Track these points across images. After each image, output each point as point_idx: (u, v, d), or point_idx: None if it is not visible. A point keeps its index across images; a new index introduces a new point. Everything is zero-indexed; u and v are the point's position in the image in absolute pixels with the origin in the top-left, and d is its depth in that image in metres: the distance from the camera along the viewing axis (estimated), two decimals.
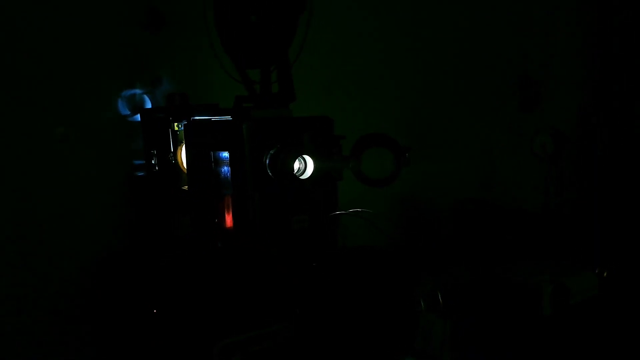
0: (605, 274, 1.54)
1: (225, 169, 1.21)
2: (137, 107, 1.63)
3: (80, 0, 1.52)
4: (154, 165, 1.47)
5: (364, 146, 1.10)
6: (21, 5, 1.44)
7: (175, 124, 1.37)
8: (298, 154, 1.07)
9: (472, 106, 2.35)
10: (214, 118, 1.23)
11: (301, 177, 1.10)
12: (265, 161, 1.09)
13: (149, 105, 1.65)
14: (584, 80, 2.71)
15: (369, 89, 2.09)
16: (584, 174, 1.78)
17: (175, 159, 1.39)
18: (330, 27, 1.92)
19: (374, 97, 2.11)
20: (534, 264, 1.51)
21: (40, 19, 1.47)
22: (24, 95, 1.46)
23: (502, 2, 2.40)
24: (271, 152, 1.08)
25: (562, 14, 2.60)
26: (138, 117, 1.62)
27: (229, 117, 1.23)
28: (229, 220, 1.19)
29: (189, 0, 1.61)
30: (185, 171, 1.36)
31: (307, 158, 1.09)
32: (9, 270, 1.47)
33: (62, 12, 1.49)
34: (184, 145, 1.27)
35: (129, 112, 1.63)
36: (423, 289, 1.06)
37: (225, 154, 1.18)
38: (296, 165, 1.07)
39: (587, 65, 2.64)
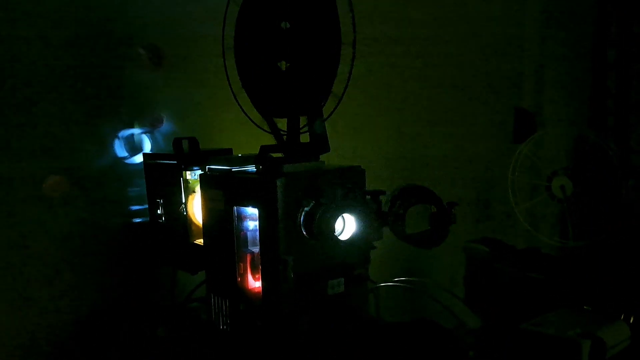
0: (631, 320, 1.48)
1: (247, 224, 1.11)
2: (136, 148, 1.52)
3: (73, 37, 1.40)
4: (160, 215, 1.35)
5: (406, 203, 1.02)
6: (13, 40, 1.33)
7: (187, 172, 1.26)
8: (340, 212, 0.97)
9: (472, 142, 2.31)
10: (234, 169, 1.12)
11: (340, 238, 1.00)
12: (300, 219, 0.99)
13: (148, 146, 1.53)
14: (578, 115, 2.71)
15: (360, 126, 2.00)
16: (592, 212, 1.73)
17: (186, 210, 1.27)
18: None
19: (366, 133, 2.02)
20: (560, 314, 1.44)
21: (30, 56, 1.35)
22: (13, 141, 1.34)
23: (495, 38, 2.38)
24: (306, 209, 0.99)
25: (554, 43, 2.60)
26: (135, 159, 1.51)
27: (250, 167, 1.13)
28: (252, 281, 1.09)
29: (196, 39, 1.53)
30: (199, 224, 1.25)
31: (348, 216, 1.00)
32: None
33: (51, 48, 1.38)
34: (201, 197, 1.15)
35: (126, 154, 1.51)
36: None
37: (250, 210, 1.07)
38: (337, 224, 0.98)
39: (581, 99, 2.64)
